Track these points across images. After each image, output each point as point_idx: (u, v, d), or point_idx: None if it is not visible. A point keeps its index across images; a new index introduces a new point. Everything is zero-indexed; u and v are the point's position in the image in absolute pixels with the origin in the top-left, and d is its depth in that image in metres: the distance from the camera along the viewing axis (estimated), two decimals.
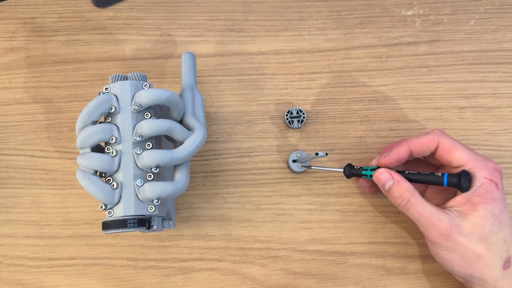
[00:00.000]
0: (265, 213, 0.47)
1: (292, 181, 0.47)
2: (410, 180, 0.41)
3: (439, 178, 0.40)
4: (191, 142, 0.37)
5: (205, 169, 0.48)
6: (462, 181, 0.38)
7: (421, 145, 0.41)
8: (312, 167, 0.46)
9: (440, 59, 0.50)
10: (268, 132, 0.49)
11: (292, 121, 0.47)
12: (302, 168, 0.46)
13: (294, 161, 0.47)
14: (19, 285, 0.45)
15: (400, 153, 0.41)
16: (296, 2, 0.52)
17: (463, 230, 0.38)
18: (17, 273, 0.46)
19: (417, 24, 0.51)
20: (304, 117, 0.47)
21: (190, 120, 0.39)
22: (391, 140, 0.48)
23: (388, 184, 0.40)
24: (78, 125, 0.36)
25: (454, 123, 0.49)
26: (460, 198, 0.39)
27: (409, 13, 0.51)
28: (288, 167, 0.47)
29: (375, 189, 0.45)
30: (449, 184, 0.39)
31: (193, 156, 0.47)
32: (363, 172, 0.43)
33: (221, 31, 0.51)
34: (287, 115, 0.48)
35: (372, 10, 0.51)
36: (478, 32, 0.51)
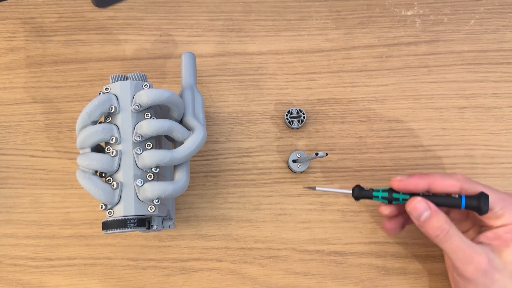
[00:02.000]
0: (265, 213, 0.47)
1: (292, 181, 0.47)
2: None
3: (456, 201, 0.38)
4: (191, 142, 0.37)
5: (205, 169, 0.48)
6: (481, 204, 0.37)
7: (443, 187, 0.39)
8: (316, 188, 0.43)
9: (440, 59, 0.50)
10: (268, 132, 0.49)
11: (292, 121, 0.47)
12: (302, 168, 0.46)
13: (294, 161, 0.47)
14: (19, 285, 0.45)
15: (418, 185, 0.39)
16: (296, 2, 0.52)
17: (498, 266, 0.37)
18: (17, 273, 0.46)
19: (417, 24, 0.51)
20: (304, 117, 0.47)
21: (190, 120, 0.38)
22: (391, 140, 0.48)
23: (426, 215, 0.38)
24: (78, 125, 0.36)
25: (454, 123, 0.49)
26: (490, 234, 0.39)
27: (409, 13, 0.51)
28: (288, 167, 0.47)
29: (400, 228, 0.43)
30: (467, 207, 0.38)
31: (193, 156, 0.47)
32: (374, 194, 0.40)
33: (221, 31, 0.51)
34: (287, 115, 0.48)
35: (372, 10, 0.51)
36: (478, 32, 0.51)
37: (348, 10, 0.51)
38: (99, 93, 0.37)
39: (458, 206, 0.38)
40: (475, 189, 0.39)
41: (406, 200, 0.40)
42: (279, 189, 0.47)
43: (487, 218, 0.39)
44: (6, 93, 0.49)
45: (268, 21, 0.51)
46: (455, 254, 0.38)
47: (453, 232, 0.38)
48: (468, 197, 0.38)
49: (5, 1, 0.51)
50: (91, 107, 0.36)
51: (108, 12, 0.51)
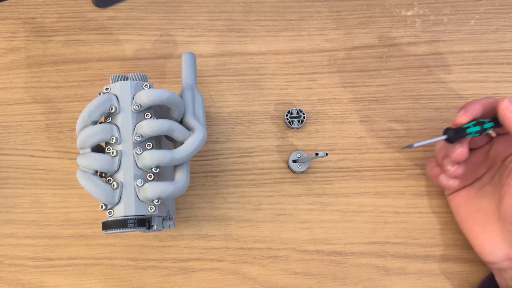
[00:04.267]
0: (265, 213, 0.47)
1: (292, 181, 0.47)
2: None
3: None
4: (191, 142, 0.37)
5: (205, 169, 0.48)
6: None
7: (493, 103, 0.39)
8: (415, 145, 0.42)
9: (440, 59, 0.50)
10: (268, 132, 0.49)
11: (292, 121, 0.48)
12: (302, 168, 0.46)
13: (294, 161, 0.47)
14: (19, 285, 0.46)
15: (484, 103, 0.39)
16: (296, 2, 0.52)
17: None
18: (17, 273, 0.46)
19: (417, 24, 0.51)
20: (304, 117, 0.47)
21: (190, 120, 0.39)
22: (391, 140, 0.48)
23: None
24: (78, 125, 0.36)
25: None
26: None
27: (409, 13, 0.51)
28: (288, 167, 0.47)
29: (461, 182, 0.43)
30: None
31: (193, 156, 0.47)
32: (468, 131, 0.40)
33: (221, 31, 0.51)
34: (287, 115, 0.48)
35: (372, 10, 0.52)
36: (478, 32, 0.51)
37: (348, 10, 0.51)
38: (99, 93, 0.37)
39: None
40: None
41: (492, 124, 0.40)
42: (279, 189, 0.47)
43: None
44: (6, 93, 0.49)
45: (268, 21, 0.51)
46: None
47: None
48: None
49: (5, 1, 0.51)
50: (91, 107, 0.36)
51: (108, 12, 0.51)
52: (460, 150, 0.40)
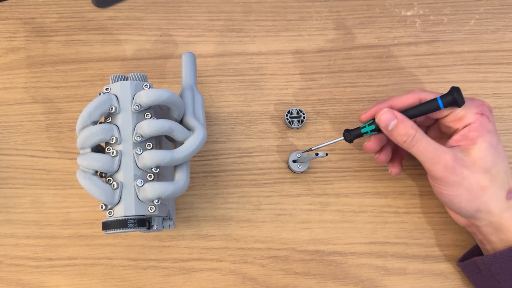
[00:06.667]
0: (265, 213, 0.47)
1: (292, 181, 0.47)
2: (408, 116, 0.41)
3: (434, 104, 0.40)
4: (191, 142, 0.37)
5: (205, 169, 0.48)
6: (456, 96, 0.39)
7: (402, 103, 0.42)
8: (312, 149, 0.45)
9: (440, 59, 0.50)
10: (268, 132, 0.49)
11: (292, 121, 0.48)
12: (302, 168, 0.46)
13: (294, 161, 0.47)
14: (19, 285, 0.46)
15: (381, 109, 0.41)
16: (296, 2, 0.52)
17: (466, 163, 0.39)
18: (17, 273, 0.46)
19: (417, 24, 0.51)
20: (304, 117, 0.47)
21: (190, 120, 0.39)
22: None
23: (393, 123, 0.40)
24: (78, 125, 0.36)
25: None
26: (457, 137, 0.40)
27: (409, 13, 0.51)
28: (288, 167, 0.47)
29: (385, 155, 0.45)
30: (445, 105, 0.39)
31: (193, 156, 0.47)
32: (362, 130, 0.42)
33: (221, 31, 0.51)
34: (287, 115, 0.48)
35: (372, 10, 0.52)
36: (478, 32, 0.51)
37: (348, 11, 0.51)
38: (100, 93, 0.37)
39: (437, 108, 0.40)
40: (432, 96, 0.41)
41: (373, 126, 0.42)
42: (279, 189, 0.47)
43: (452, 122, 0.41)
44: (6, 93, 0.49)
45: (268, 21, 0.51)
46: (423, 156, 0.39)
47: (419, 136, 0.39)
48: (443, 96, 0.40)
49: (5, 1, 0.51)
50: (91, 107, 0.36)
51: (109, 12, 0.51)
52: (365, 144, 0.44)
